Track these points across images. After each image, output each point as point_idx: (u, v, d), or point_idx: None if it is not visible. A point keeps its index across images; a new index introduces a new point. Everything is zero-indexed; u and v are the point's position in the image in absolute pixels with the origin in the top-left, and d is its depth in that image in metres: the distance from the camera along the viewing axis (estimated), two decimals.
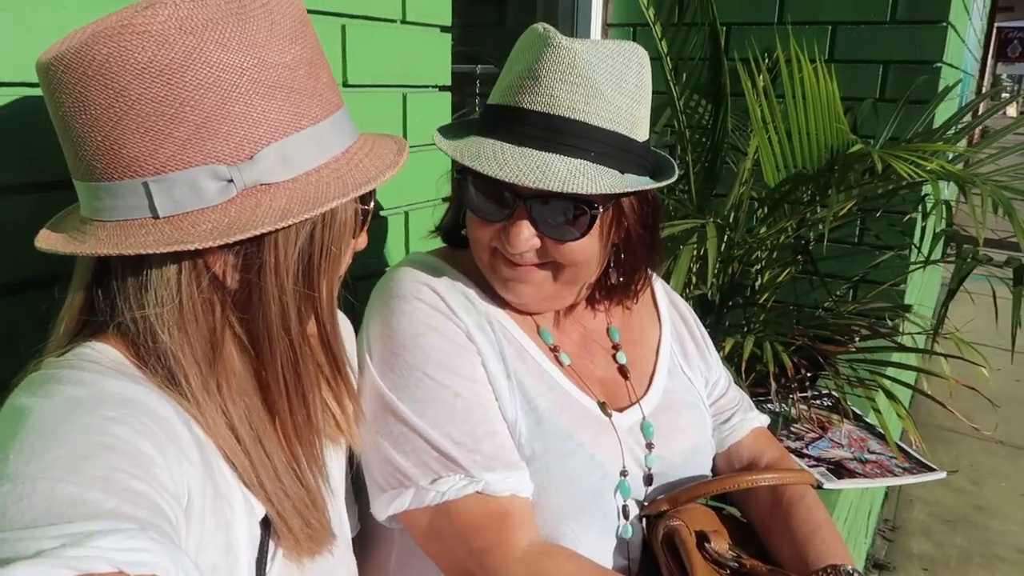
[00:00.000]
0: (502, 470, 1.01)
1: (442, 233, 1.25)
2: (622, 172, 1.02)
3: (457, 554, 1.01)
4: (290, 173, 0.70)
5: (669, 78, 2.36)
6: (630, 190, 1.02)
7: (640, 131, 1.06)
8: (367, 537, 1.14)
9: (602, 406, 1.15)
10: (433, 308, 1.08)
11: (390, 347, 1.05)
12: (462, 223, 1.17)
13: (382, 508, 1.02)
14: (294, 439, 0.83)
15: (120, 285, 0.71)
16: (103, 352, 0.72)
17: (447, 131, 1.13)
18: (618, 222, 1.09)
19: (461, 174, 1.07)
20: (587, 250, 1.06)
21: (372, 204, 0.83)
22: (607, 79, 1.00)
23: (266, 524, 0.79)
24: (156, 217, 0.68)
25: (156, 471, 0.62)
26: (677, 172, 1.12)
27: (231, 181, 0.68)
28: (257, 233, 0.67)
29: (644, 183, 1.05)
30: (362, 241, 0.86)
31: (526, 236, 1.02)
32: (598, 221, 1.03)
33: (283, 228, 0.70)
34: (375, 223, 1.44)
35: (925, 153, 1.82)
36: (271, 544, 0.80)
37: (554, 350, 1.16)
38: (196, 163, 0.67)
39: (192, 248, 0.66)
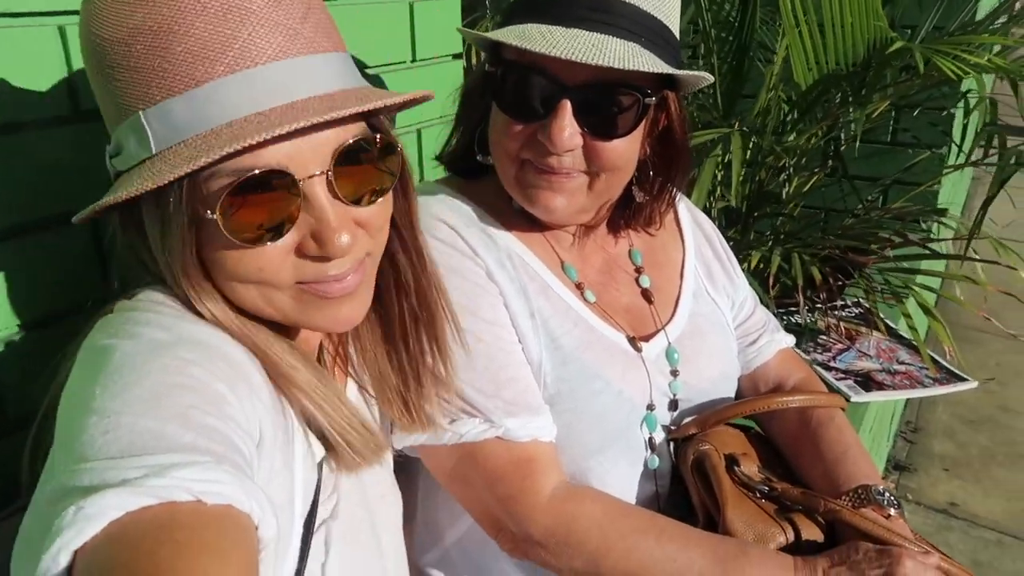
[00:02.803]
0: (523, 415, 0.99)
1: (448, 162, 1.18)
2: (667, 63, 0.96)
3: (484, 500, 1.01)
4: (162, 145, 0.67)
5: None
6: (691, 73, 0.97)
7: (676, 28, 1.01)
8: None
9: (631, 340, 1.11)
10: (450, 247, 1.04)
11: None
12: (476, 147, 1.10)
13: (400, 439, 1.01)
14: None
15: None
16: (173, 300, 0.74)
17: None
18: (659, 122, 1.04)
19: (495, 66, 1.00)
20: (628, 152, 1.01)
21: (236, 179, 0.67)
22: None
23: (320, 467, 0.81)
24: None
25: (229, 410, 0.65)
26: (706, 75, 1.05)
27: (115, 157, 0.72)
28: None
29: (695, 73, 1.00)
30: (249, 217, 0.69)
31: (569, 133, 0.94)
32: (646, 115, 0.98)
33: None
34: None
35: (970, 46, 1.70)
36: (330, 484, 0.83)
37: (579, 286, 1.12)
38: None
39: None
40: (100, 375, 0.62)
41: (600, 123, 0.96)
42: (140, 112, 0.67)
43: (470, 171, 1.13)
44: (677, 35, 1.01)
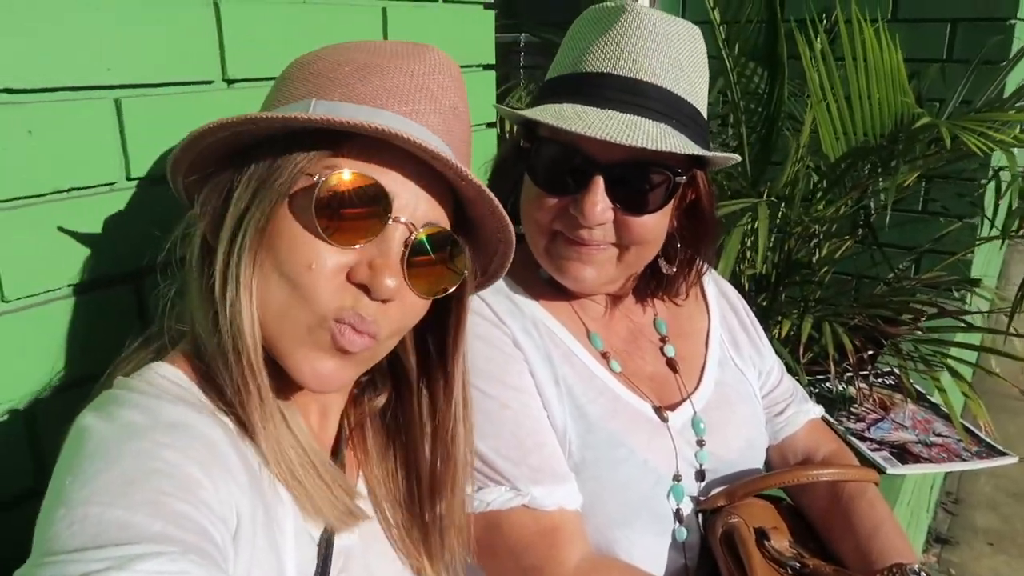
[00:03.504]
0: (549, 483, 0.99)
1: None
2: (697, 143, 0.99)
3: (509, 571, 1.00)
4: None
5: (721, 45, 2.27)
6: (720, 155, 1.00)
7: (704, 110, 1.04)
8: None
9: (657, 410, 1.12)
10: (476, 314, 1.05)
11: None
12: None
13: None
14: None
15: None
16: (168, 375, 0.75)
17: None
18: (687, 197, 1.07)
19: (529, 142, 1.03)
20: (658, 227, 1.03)
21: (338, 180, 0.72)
22: (684, 51, 0.99)
23: (326, 545, 0.79)
24: None
25: (203, 494, 0.64)
26: (734, 157, 1.08)
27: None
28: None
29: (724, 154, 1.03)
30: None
31: (601, 208, 0.97)
32: (676, 192, 1.01)
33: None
34: None
35: (996, 123, 1.71)
36: (337, 566, 0.80)
37: (604, 355, 1.13)
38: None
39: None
40: (72, 463, 0.62)
41: (632, 199, 0.99)
42: (314, 99, 0.74)
43: None
44: (705, 116, 1.05)
